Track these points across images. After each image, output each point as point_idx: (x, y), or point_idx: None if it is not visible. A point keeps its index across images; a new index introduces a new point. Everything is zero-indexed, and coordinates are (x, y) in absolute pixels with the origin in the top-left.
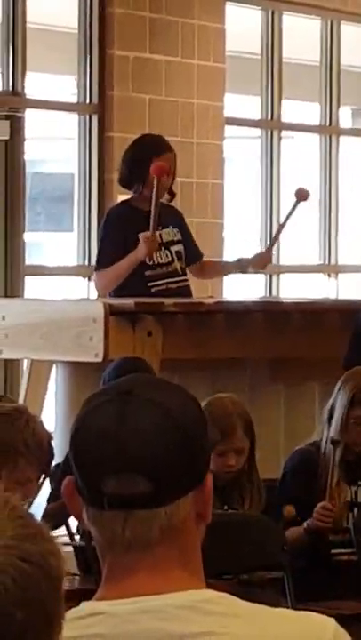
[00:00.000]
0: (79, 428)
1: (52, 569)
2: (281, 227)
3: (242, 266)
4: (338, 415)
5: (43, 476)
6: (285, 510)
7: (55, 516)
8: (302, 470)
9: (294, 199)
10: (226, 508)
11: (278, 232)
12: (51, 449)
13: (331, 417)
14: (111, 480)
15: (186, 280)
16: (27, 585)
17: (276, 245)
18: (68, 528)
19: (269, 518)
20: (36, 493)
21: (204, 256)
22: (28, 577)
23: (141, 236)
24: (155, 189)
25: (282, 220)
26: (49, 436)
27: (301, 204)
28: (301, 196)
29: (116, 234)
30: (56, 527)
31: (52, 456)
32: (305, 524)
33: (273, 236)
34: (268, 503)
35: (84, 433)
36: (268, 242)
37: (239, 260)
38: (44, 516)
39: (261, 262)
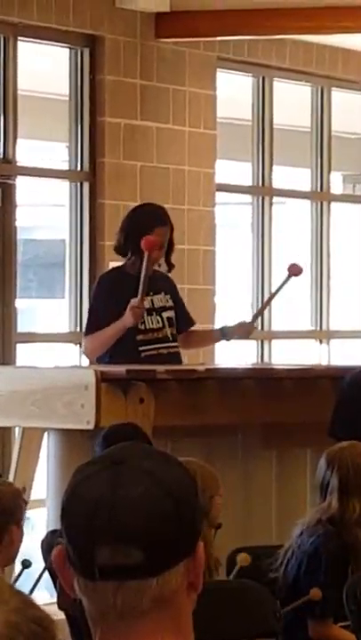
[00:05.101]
0: (70, 498)
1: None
2: (270, 299)
3: (225, 334)
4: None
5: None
6: (312, 593)
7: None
8: (339, 560)
9: (287, 273)
10: None
11: (266, 303)
12: (21, 500)
13: (324, 495)
14: (103, 551)
15: (176, 346)
16: None
17: (261, 316)
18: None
19: (261, 585)
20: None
21: (195, 324)
22: (36, 637)
23: (130, 302)
24: (144, 263)
25: (272, 291)
26: (17, 490)
27: (293, 278)
28: (294, 271)
29: (106, 298)
30: None
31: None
32: None
33: (260, 306)
34: (262, 569)
35: (76, 503)
36: (256, 310)
37: (222, 329)
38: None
39: (245, 331)
